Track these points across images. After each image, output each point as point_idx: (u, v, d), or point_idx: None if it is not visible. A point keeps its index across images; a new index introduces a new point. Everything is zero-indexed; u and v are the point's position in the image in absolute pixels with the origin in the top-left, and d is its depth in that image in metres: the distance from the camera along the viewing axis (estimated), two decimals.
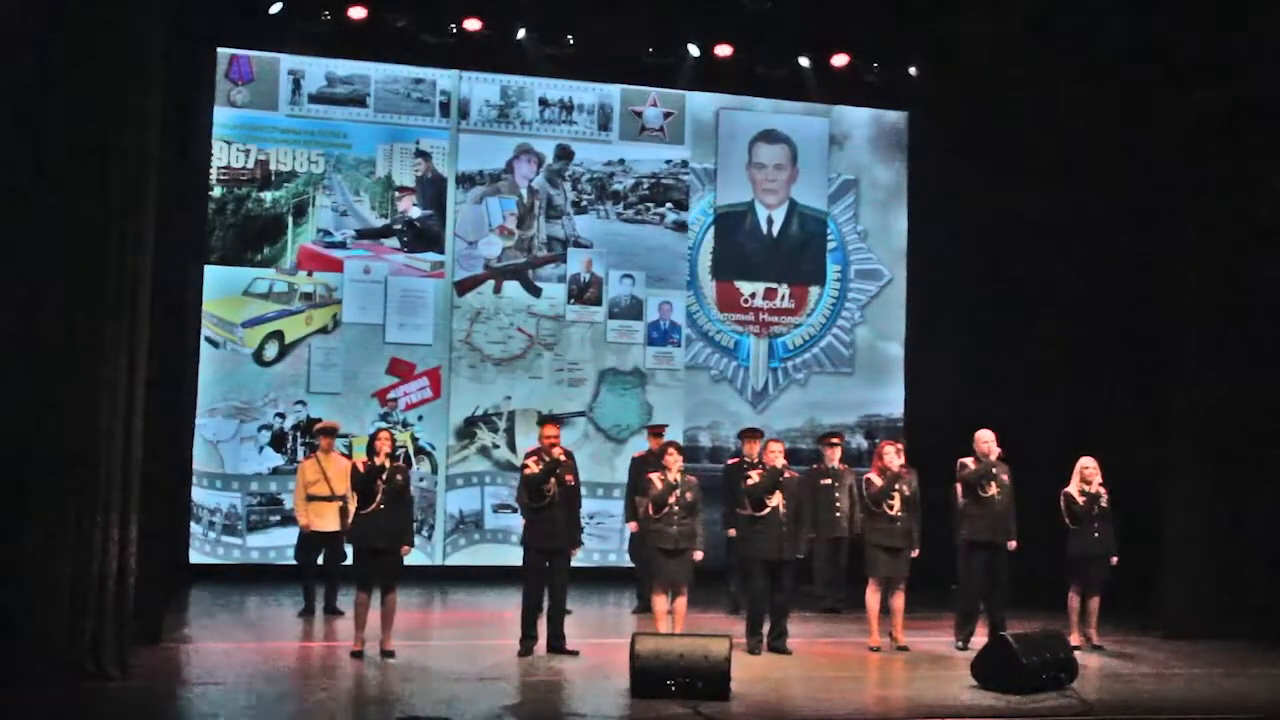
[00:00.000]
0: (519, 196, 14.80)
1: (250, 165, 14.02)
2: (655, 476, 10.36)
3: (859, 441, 15.28)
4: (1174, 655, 10.90)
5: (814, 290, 15.50)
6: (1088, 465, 10.96)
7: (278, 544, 13.61)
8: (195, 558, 13.51)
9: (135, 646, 9.06)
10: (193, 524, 13.51)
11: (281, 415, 13.91)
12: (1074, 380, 13.30)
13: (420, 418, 14.32)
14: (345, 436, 13.25)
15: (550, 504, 10.09)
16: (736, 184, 15.29)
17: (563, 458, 10.19)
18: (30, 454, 8.50)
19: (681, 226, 15.19)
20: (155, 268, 9.13)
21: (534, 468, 10.12)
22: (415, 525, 12.35)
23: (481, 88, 14.72)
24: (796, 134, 15.41)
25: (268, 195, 14.05)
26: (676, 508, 10.20)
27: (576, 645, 10.16)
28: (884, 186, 15.80)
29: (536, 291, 14.77)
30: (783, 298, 15.45)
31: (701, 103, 15.26)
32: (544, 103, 14.88)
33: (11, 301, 8.59)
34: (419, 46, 14.08)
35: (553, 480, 10.07)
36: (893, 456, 10.78)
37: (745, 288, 15.35)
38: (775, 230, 14.95)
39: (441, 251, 14.48)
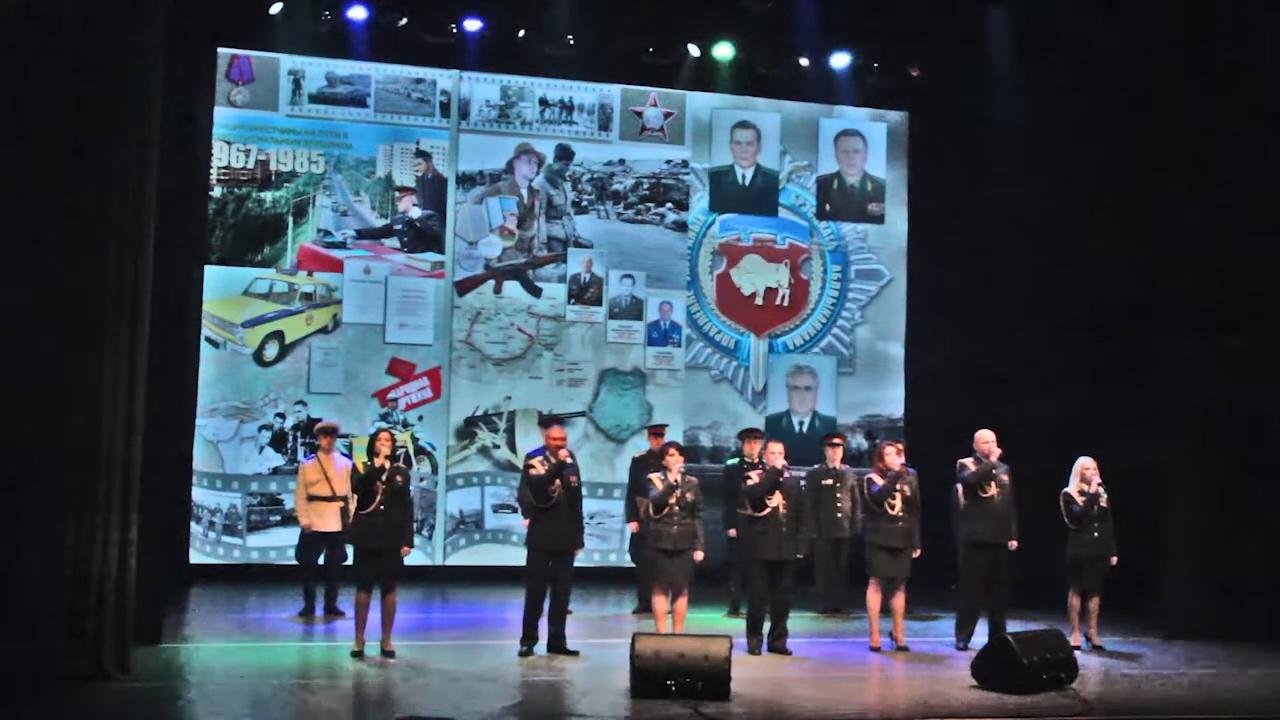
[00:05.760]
0: (519, 196, 14.80)
1: (250, 165, 14.02)
2: (655, 477, 10.38)
3: (859, 441, 15.29)
4: (1174, 655, 10.91)
5: (814, 289, 15.52)
6: (1087, 465, 10.96)
7: (278, 544, 13.61)
8: (195, 558, 13.50)
9: (135, 646, 9.05)
10: (193, 524, 13.50)
11: (281, 415, 13.91)
12: (1074, 380, 13.30)
13: (420, 418, 14.32)
14: (345, 436, 13.23)
15: (555, 505, 10.10)
16: (724, 154, 15.37)
17: (568, 460, 10.21)
18: (30, 454, 8.50)
19: (681, 226, 15.20)
20: (155, 268, 9.13)
21: (539, 469, 10.13)
22: (415, 525, 12.34)
23: (481, 88, 14.72)
24: (760, 122, 15.47)
25: (268, 195, 14.05)
26: (677, 508, 10.21)
27: (577, 645, 10.17)
28: (884, 186, 15.81)
29: (537, 291, 14.77)
30: (783, 298, 15.46)
31: (701, 103, 15.28)
32: (544, 103, 14.89)
33: (12, 301, 8.59)
34: (419, 46, 14.09)
35: (557, 481, 10.08)
36: (893, 456, 10.78)
37: (746, 287, 15.38)
38: (748, 182, 15.32)
39: (442, 251, 14.48)
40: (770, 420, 15.25)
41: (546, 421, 11.62)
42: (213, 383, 13.71)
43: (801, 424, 15.50)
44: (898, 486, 10.68)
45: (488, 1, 13.98)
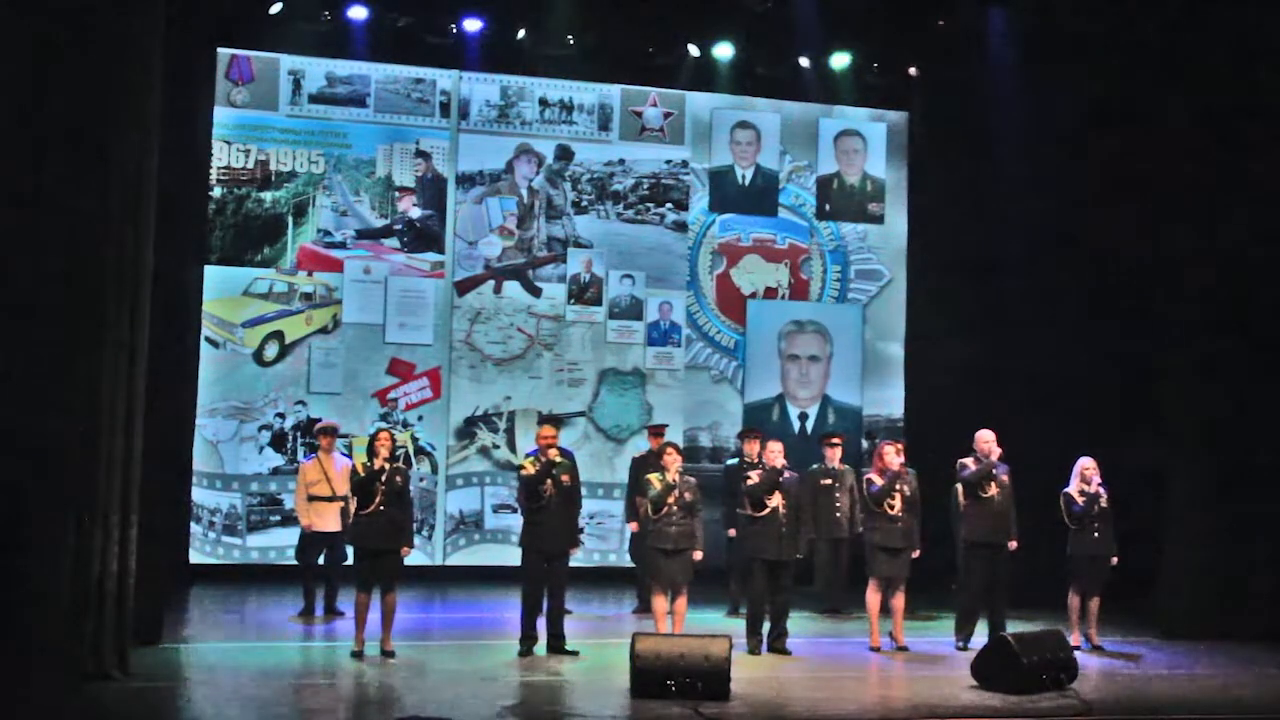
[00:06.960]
0: (519, 196, 14.80)
1: (250, 165, 14.02)
2: (654, 477, 10.37)
3: (859, 441, 15.27)
4: (1174, 655, 10.90)
5: (814, 289, 15.53)
6: (1088, 465, 10.96)
7: (278, 544, 13.61)
8: (195, 558, 13.50)
9: (135, 646, 9.06)
10: (193, 524, 13.51)
11: (281, 415, 13.90)
12: (1074, 380, 13.30)
13: (420, 418, 14.31)
14: (345, 436, 13.23)
15: (548, 505, 10.09)
16: (724, 154, 15.36)
17: (559, 458, 10.20)
18: (30, 454, 8.49)
19: (681, 226, 15.19)
20: (155, 268, 9.13)
21: (530, 469, 10.13)
22: (415, 525, 12.35)
23: (481, 88, 14.71)
24: (759, 123, 15.45)
25: (268, 195, 14.05)
26: (675, 508, 10.20)
27: (577, 645, 10.17)
28: (884, 186, 15.81)
29: (536, 291, 14.77)
30: (782, 298, 15.47)
31: (701, 103, 15.28)
32: (544, 103, 14.89)
33: (12, 301, 8.58)
34: (419, 46, 14.11)
35: (549, 481, 10.07)
36: (893, 456, 10.78)
37: (746, 287, 15.39)
38: (747, 182, 15.34)
39: (441, 251, 14.48)
40: (751, 410, 15.13)
41: (542, 421, 11.63)
42: (213, 383, 13.71)
43: (804, 418, 15.46)
44: (897, 486, 10.68)
45: (488, 1, 13.98)
